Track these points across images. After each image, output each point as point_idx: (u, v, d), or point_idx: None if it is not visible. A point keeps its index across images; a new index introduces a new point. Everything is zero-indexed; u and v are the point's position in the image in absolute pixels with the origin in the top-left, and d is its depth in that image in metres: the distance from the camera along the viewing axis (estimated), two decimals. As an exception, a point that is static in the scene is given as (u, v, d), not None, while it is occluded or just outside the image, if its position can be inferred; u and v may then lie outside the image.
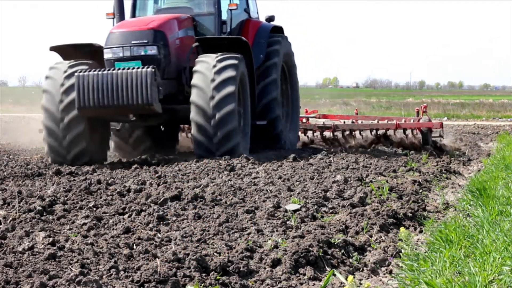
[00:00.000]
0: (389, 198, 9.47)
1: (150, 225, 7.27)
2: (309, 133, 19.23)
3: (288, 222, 7.55)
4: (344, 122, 19.28)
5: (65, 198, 8.63)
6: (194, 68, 14.28)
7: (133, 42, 14.35)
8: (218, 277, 5.47)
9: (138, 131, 16.29)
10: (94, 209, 8.06)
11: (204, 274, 5.53)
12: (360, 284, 5.80)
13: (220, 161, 12.88)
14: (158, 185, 9.87)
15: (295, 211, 8.15)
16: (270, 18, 17.39)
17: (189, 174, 11.32)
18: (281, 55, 16.80)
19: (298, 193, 9.36)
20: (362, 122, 19.23)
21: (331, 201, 9.01)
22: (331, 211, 8.52)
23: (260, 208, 8.26)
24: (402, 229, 7.05)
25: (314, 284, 5.76)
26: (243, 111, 14.97)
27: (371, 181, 10.90)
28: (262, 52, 16.44)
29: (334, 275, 5.75)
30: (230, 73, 14.14)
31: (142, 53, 14.29)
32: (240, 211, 8.09)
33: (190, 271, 5.50)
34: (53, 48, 15.12)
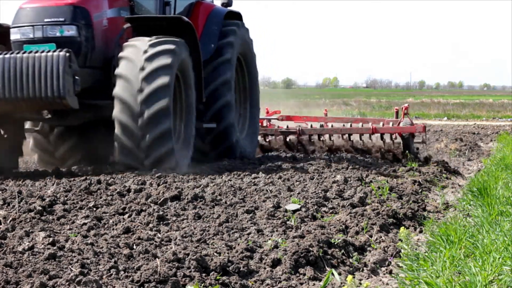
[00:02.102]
0: (389, 198, 9.47)
1: (150, 225, 7.26)
2: (271, 138, 16.51)
3: (288, 222, 7.55)
4: (311, 126, 16.61)
5: (65, 198, 8.62)
6: (120, 54, 11.70)
7: (46, 20, 11.71)
8: (218, 277, 5.47)
9: (68, 143, 13.34)
10: (94, 209, 8.05)
11: (204, 274, 5.53)
12: (360, 284, 5.80)
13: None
14: (158, 185, 9.86)
15: (295, 211, 8.15)
16: (227, 3, 14.78)
17: (189, 174, 11.31)
18: (236, 48, 14.22)
19: (298, 193, 9.36)
20: (332, 125, 16.57)
21: (331, 201, 9.01)
22: (331, 211, 8.52)
23: (260, 208, 8.26)
24: (402, 229, 7.05)
25: (314, 284, 5.76)
26: (184, 110, 12.48)
27: (371, 181, 10.90)
28: (213, 41, 13.87)
29: (333, 275, 5.75)
30: (164, 60, 11.58)
31: (57, 34, 11.70)
32: (240, 211, 8.09)
33: (190, 271, 5.50)
34: None
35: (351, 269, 6.34)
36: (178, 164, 11.69)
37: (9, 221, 7.16)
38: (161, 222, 7.41)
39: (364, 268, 6.44)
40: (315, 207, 8.46)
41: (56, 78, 10.97)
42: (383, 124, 15.92)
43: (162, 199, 8.54)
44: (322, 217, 8.13)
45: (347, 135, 15.75)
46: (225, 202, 8.63)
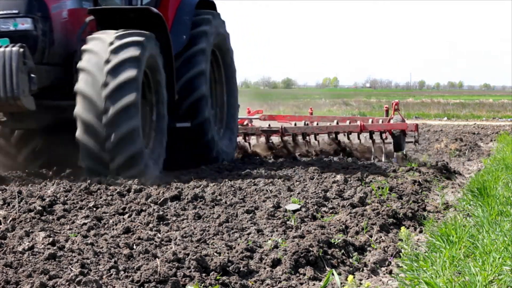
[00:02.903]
0: (389, 198, 9.47)
1: (150, 225, 7.27)
2: (252, 139, 15.57)
3: (288, 222, 7.55)
4: (295, 124, 15.77)
5: (65, 198, 8.63)
6: (83, 47, 10.63)
7: None
8: (218, 277, 5.47)
9: (30, 146, 12.23)
10: (94, 209, 8.06)
11: (204, 274, 5.53)
12: (360, 284, 5.80)
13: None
14: (158, 185, 9.87)
15: (295, 211, 8.15)
16: None
17: (189, 174, 11.30)
18: (211, 38, 12.97)
19: (298, 193, 9.36)
20: (318, 124, 15.77)
21: (331, 201, 9.02)
22: (331, 211, 8.52)
23: (260, 208, 8.27)
24: (402, 229, 7.05)
25: (314, 284, 5.76)
26: (155, 111, 11.40)
27: (371, 181, 10.90)
28: (185, 32, 12.62)
29: (333, 275, 5.75)
30: (132, 52, 10.56)
31: (11, 27, 10.64)
32: (240, 211, 8.09)
33: (190, 271, 5.50)
34: None
35: (351, 269, 6.34)
36: (149, 173, 10.62)
37: (9, 221, 7.16)
38: (161, 222, 7.41)
39: (364, 268, 6.44)
40: (315, 207, 8.46)
41: (9, 76, 10.00)
42: (372, 122, 15.04)
43: (162, 199, 8.54)
44: (322, 217, 8.13)
45: (333, 135, 14.96)
46: (225, 202, 8.63)
